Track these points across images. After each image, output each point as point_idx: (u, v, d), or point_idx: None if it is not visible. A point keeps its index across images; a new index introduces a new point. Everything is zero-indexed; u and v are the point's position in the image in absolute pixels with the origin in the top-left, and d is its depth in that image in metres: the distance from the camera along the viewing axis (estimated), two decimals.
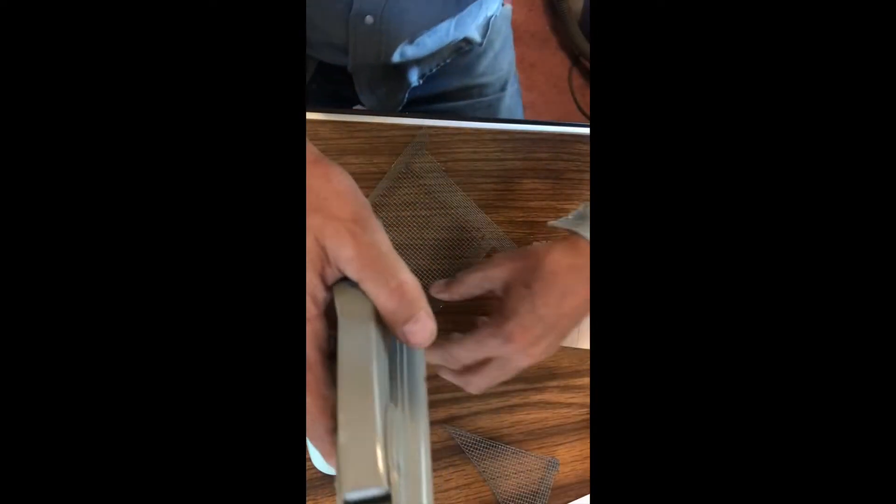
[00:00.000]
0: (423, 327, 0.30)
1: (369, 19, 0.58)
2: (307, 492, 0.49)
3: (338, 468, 0.26)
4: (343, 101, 0.75)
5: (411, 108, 0.75)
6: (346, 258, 0.29)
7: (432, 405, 0.52)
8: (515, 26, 0.74)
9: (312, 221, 0.30)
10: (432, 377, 0.52)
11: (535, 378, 0.56)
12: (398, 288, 0.29)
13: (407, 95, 0.73)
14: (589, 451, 0.56)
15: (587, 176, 0.61)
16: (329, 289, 0.31)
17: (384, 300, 0.29)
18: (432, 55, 0.72)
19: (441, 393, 0.53)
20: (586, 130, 0.63)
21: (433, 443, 0.51)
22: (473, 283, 0.48)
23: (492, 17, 0.74)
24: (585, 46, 1.59)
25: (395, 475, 0.26)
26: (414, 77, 0.72)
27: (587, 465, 0.56)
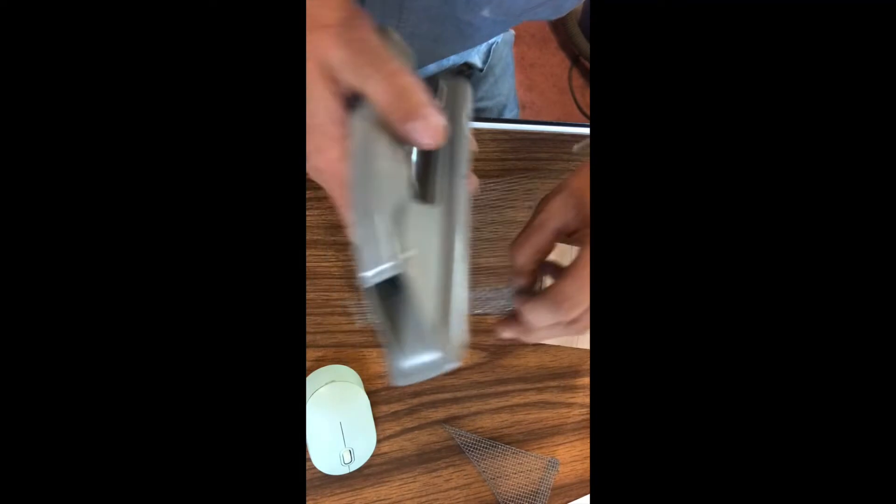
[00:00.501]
0: (426, 125, 0.28)
1: None
2: (307, 492, 0.49)
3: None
4: None
5: None
6: (340, 62, 0.28)
7: (432, 405, 0.52)
8: (516, 26, 0.74)
9: (310, 39, 0.28)
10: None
11: (535, 378, 0.56)
12: (390, 78, 0.28)
13: None
14: (589, 451, 0.56)
15: None
16: (343, 103, 0.29)
17: (379, 96, 0.28)
18: (431, 78, 0.72)
19: (441, 393, 0.53)
20: (586, 130, 0.63)
21: (433, 443, 0.51)
22: (536, 247, 0.43)
23: (493, 43, 0.74)
24: (585, 46, 1.59)
25: (408, 254, 0.27)
26: None
27: (587, 465, 0.56)
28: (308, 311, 0.52)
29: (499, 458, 0.53)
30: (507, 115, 0.81)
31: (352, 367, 0.51)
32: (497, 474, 0.53)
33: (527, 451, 0.55)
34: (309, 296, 0.53)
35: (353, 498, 0.49)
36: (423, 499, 0.50)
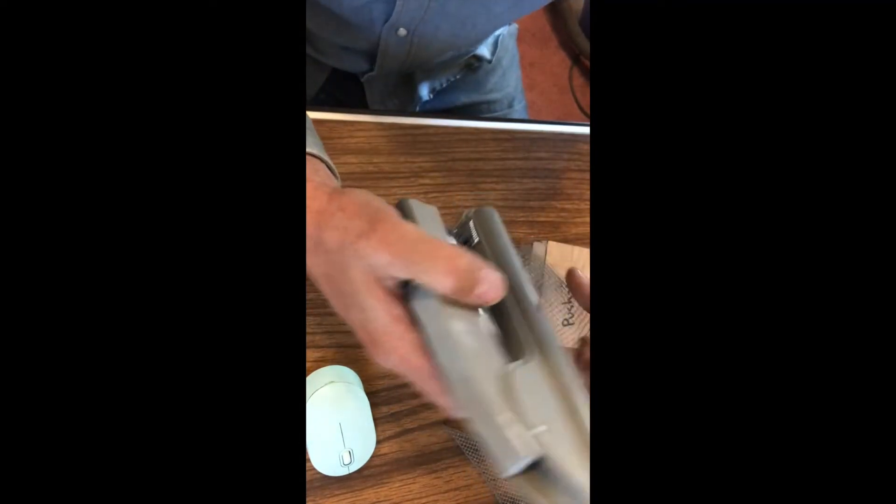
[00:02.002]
0: (490, 285, 0.30)
1: (402, 31, 0.59)
2: (307, 493, 0.49)
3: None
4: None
5: None
6: (387, 264, 0.29)
7: (432, 406, 0.52)
8: (519, 19, 0.75)
9: (347, 253, 0.30)
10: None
11: None
12: (446, 266, 0.29)
13: (417, 109, 0.74)
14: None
15: (587, 175, 0.61)
16: (400, 300, 0.31)
17: (441, 285, 0.29)
18: (443, 70, 0.73)
19: None
20: (586, 130, 0.63)
21: (433, 444, 0.51)
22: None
23: (500, 35, 0.75)
24: (586, 45, 1.59)
25: (541, 438, 0.27)
26: (425, 91, 0.73)
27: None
28: (308, 311, 0.52)
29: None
30: (516, 107, 0.82)
31: (352, 368, 0.51)
32: (497, 475, 0.53)
33: None
34: (309, 296, 0.53)
35: (353, 499, 0.49)
36: (423, 500, 0.50)
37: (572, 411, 0.30)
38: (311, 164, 0.37)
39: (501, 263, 0.34)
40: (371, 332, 0.31)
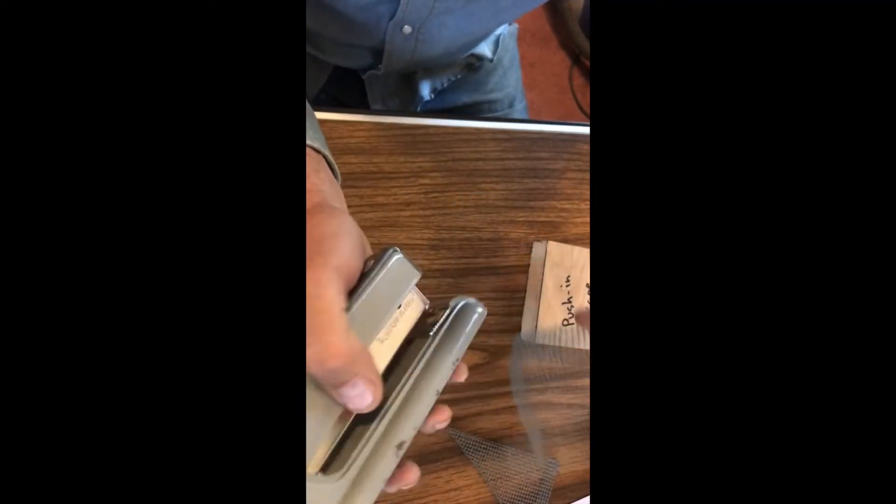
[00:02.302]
0: (358, 393, 0.28)
1: (407, 29, 0.59)
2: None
3: None
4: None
5: None
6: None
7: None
8: (518, 19, 0.75)
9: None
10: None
11: (535, 379, 0.56)
12: (317, 355, 0.27)
13: (418, 109, 0.74)
14: (589, 452, 0.56)
15: (587, 175, 0.61)
16: None
17: (309, 363, 0.27)
18: (444, 70, 0.73)
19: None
20: (586, 130, 0.63)
21: (433, 444, 0.51)
22: None
23: (500, 34, 0.75)
24: (586, 45, 1.59)
25: None
26: (426, 91, 0.73)
27: (587, 466, 0.56)
28: None
29: (499, 460, 0.53)
30: (517, 107, 0.82)
31: None
32: (497, 475, 0.53)
33: (527, 452, 0.54)
34: None
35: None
36: (423, 500, 0.50)
37: None
38: (312, 159, 0.36)
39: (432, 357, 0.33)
40: None
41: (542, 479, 0.54)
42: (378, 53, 0.64)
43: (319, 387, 0.28)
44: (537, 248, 0.58)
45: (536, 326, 0.56)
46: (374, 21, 0.58)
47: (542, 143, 0.61)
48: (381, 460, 0.30)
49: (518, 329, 0.56)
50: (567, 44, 1.65)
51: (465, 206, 0.58)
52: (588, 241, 0.59)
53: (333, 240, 0.30)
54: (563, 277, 0.56)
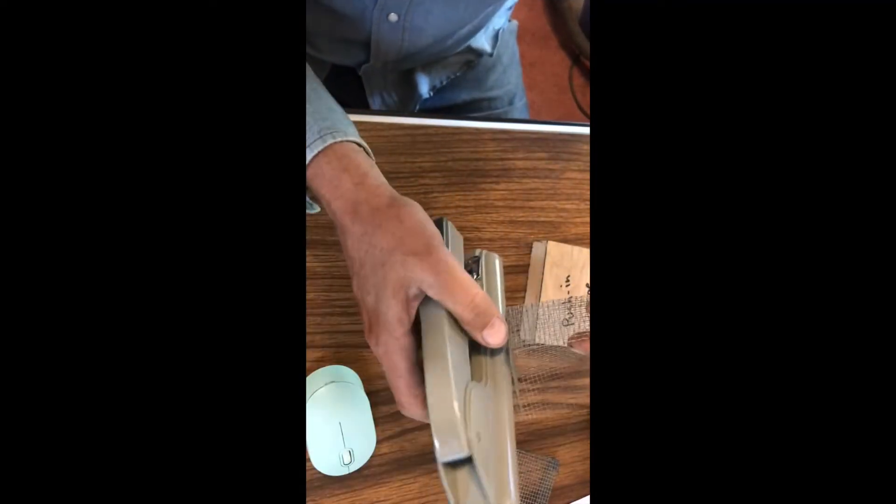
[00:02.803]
0: (497, 331, 0.37)
1: (393, 17, 0.58)
2: (307, 492, 0.49)
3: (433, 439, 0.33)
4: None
5: None
6: (429, 284, 0.36)
7: None
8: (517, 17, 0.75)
9: (395, 258, 0.36)
10: None
11: (535, 378, 0.56)
12: (472, 302, 0.36)
13: (417, 107, 0.74)
14: (589, 451, 0.56)
15: (587, 175, 0.61)
16: (412, 311, 0.37)
17: (462, 312, 0.36)
18: (443, 68, 0.72)
19: None
20: (586, 130, 0.63)
21: (432, 444, 0.51)
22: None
23: (500, 29, 0.74)
24: (586, 45, 1.59)
25: (475, 441, 0.33)
26: (425, 89, 0.73)
27: (587, 465, 0.56)
28: (308, 311, 0.52)
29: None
30: (517, 104, 0.81)
31: (352, 368, 0.51)
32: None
33: (527, 451, 0.54)
34: (309, 296, 0.53)
35: (353, 498, 0.49)
36: (423, 499, 0.50)
37: (502, 434, 0.37)
38: (364, 155, 0.42)
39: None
40: (376, 318, 0.37)
41: (541, 479, 0.54)
42: (368, 47, 0.64)
43: (459, 333, 0.37)
44: (537, 248, 0.58)
45: (536, 326, 0.55)
46: (360, 10, 0.58)
47: (542, 143, 0.61)
48: (500, 370, 0.40)
49: (518, 329, 0.56)
50: (567, 44, 1.64)
51: (465, 206, 0.58)
52: (588, 241, 0.59)
53: (429, 222, 0.38)
54: (563, 277, 0.56)
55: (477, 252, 0.45)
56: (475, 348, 0.39)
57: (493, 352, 0.39)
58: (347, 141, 0.42)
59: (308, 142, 0.41)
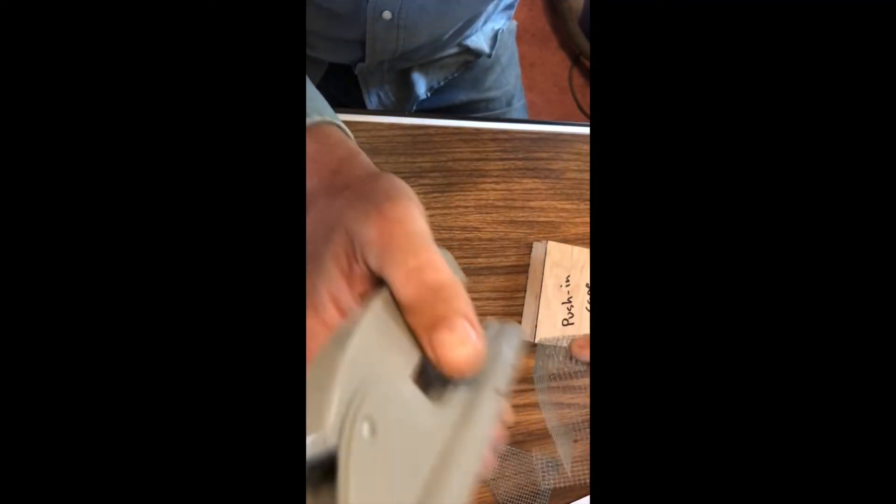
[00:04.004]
0: (459, 339, 0.22)
1: (387, 14, 0.58)
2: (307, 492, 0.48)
3: None
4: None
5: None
6: (368, 240, 0.24)
7: None
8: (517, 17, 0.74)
9: (345, 217, 0.25)
10: None
11: (535, 379, 0.56)
12: (417, 270, 0.22)
13: (414, 108, 0.74)
14: (589, 452, 0.56)
15: (587, 175, 0.61)
16: (355, 287, 0.25)
17: (399, 285, 0.22)
18: (441, 69, 0.72)
19: None
20: (586, 130, 0.63)
21: None
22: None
23: (499, 30, 0.74)
24: (586, 45, 1.59)
25: (354, 429, 0.20)
26: (422, 89, 0.73)
27: (587, 466, 0.56)
28: None
29: (499, 460, 0.53)
30: (516, 105, 0.81)
31: None
32: (497, 475, 0.53)
33: (527, 451, 0.55)
34: None
35: None
36: None
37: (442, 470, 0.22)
38: (351, 140, 0.34)
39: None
40: (314, 289, 0.25)
41: (541, 479, 0.54)
42: (364, 45, 0.64)
43: (399, 326, 0.23)
44: (537, 248, 0.58)
45: (536, 326, 0.56)
46: (354, 9, 0.58)
47: (542, 143, 0.61)
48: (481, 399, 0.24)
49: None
50: (567, 44, 1.64)
51: (465, 206, 0.58)
52: (588, 241, 0.59)
53: (409, 191, 0.26)
54: (563, 277, 0.56)
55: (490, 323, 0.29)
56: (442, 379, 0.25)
57: (478, 384, 0.24)
58: (335, 125, 0.34)
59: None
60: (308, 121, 0.32)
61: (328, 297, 0.25)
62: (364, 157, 0.31)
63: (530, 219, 0.59)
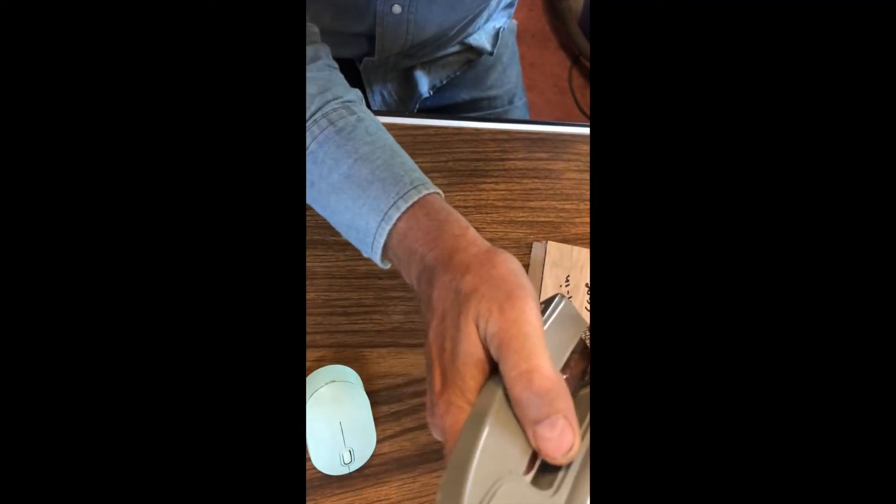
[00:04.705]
0: (558, 435, 0.26)
1: (397, 8, 0.58)
2: (307, 492, 0.49)
3: None
4: None
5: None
6: (492, 335, 0.29)
7: None
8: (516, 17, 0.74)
9: (471, 300, 0.30)
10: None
11: None
12: (531, 376, 0.27)
13: (417, 106, 0.74)
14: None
15: (587, 175, 0.61)
16: (486, 373, 0.30)
17: (515, 385, 0.27)
18: (443, 67, 0.72)
19: None
20: (586, 130, 0.63)
21: (433, 443, 0.51)
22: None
23: (500, 28, 0.74)
24: (585, 46, 1.59)
25: None
26: (424, 88, 0.73)
27: None
28: (308, 311, 0.52)
29: None
30: (517, 104, 0.81)
31: (352, 367, 0.51)
32: None
33: None
34: (309, 296, 0.53)
35: (353, 498, 0.49)
36: (424, 499, 0.50)
37: None
38: (455, 211, 0.38)
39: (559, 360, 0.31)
40: (450, 367, 0.30)
41: None
42: (372, 38, 0.64)
43: (509, 423, 0.27)
44: (537, 248, 0.58)
45: None
46: (364, 3, 0.58)
47: (542, 144, 0.61)
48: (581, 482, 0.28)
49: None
50: (567, 44, 1.64)
51: (465, 206, 0.58)
52: (588, 241, 0.59)
53: (524, 277, 0.32)
54: (563, 277, 0.56)
55: (556, 297, 0.34)
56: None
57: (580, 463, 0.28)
58: (436, 193, 0.39)
59: (399, 193, 0.38)
60: (416, 195, 0.38)
61: (468, 375, 0.29)
62: (472, 232, 0.36)
63: (530, 219, 0.59)
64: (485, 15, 0.68)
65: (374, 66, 0.68)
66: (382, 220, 0.38)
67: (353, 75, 0.70)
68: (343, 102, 0.43)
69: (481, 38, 0.73)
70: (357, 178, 0.40)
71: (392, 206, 0.38)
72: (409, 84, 0.72)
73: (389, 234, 0.38)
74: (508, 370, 0.27)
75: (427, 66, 0.72)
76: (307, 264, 0.53)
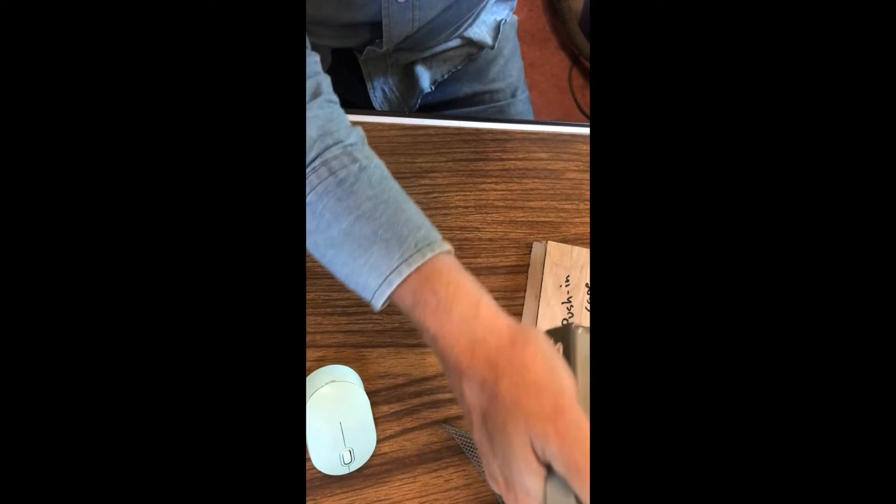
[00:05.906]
0: None
1: None
2: (307, 492, 0.49)
3: None
4: (354, 107, 0.75)
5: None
6: (552, 454, 0.31)
7: (433, 406, 0.52)
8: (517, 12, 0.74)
9: (518, 419, 0.31)
10: (432, 377, 0.52)
11: None
12: (577, 469, 0.30)
13: (419, 101, 0.74)
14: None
15: (587, 175, 0.61)
16: (542, 477, 0.32)
17: (582, 494, 0.30)
18: (444, 62, 0.72)
19: (441, 393, 0.53)
20: (586, 130, 0.63)
21: (433, 443, 0.51)
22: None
23: (501, 21, 0.74)
24: (585, 46, 1.59)
25: None
26: (426, 83, 0.73)
27: None
28: (308, 311, 0.52)
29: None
30: (520, 97, 0.80)
31: (352, 367, 0.51)
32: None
33: None
34: (309, 296, 0.53)
35: (354, 498, 0.49)
36: (424, 499, 0.50)
37: None
38: (464, 272, 0.38)
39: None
40: (511, 484, 0.33)
41: None
42: (377, 27, 0.63)
43: (558, 477, 0.31)
44: (537, 248, 0.58)
45: (536, 326, 0.56)
46: None
47: (542, 144, 0.61)
48: None
49: None
50: (567, 44, 1.64)
51: (465, 206, 0.58)
52: (588, 241, 0.59)
53: (557, 361, 0.33)
54: (563, 277, 0.56)
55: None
56: None
57: None
58: (445, 251, 0.37)
59: (403, 257, 0.37)
60: (420, 259, 0.36)
61: (532, 484, 0.32)
62: (485, 306, 0.35)
63: (530, 219, 0.59)
64: (483, 4, 0.68)
65: (375, 60, 0.68)
66: (383, 282, 0.37)
67: (356, 77, 0.70)
68: (345, 147, 0.40)
69: (482, 31, 0.72)
70: (358, 238, 0.38)
71: (394, 270, 0.37)
72: (411, 79, 0.72)
73: (390, 296, 0.37)
74: (582, 487, 0.30)
75: (428, 61, 0.72)
76: (307, 264, 0.53)
